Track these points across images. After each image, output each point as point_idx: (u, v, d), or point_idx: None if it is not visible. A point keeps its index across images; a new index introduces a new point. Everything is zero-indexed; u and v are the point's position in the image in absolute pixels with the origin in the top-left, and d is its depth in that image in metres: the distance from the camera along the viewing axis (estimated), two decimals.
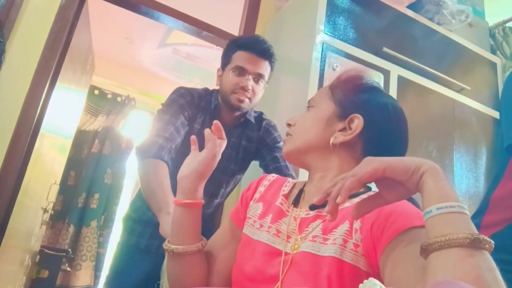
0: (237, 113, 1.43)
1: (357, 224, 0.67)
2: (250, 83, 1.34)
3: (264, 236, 0.77)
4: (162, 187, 1.12)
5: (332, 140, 0.77)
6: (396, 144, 0.78)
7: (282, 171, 1.37)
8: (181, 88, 1.43)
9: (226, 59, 1.41)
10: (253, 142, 1.48)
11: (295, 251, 0.71)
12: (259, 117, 1.52)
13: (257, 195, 0.88)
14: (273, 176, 0.92)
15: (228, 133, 1.43)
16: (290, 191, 0.85)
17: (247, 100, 1.35)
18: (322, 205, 0.66)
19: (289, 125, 0.85)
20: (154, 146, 1.21)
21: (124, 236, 1.47)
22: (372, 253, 0.63)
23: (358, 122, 0.75)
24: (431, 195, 0.53)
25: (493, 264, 0.46)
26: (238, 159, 1.47)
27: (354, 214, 0.59)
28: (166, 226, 0.99)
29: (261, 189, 0.89)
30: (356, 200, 0.71)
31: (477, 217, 1.18)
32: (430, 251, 0.49)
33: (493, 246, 0.47)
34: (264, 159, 1.45)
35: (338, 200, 0.56)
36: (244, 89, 1.34)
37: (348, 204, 0.72)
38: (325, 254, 0.66)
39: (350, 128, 0.76)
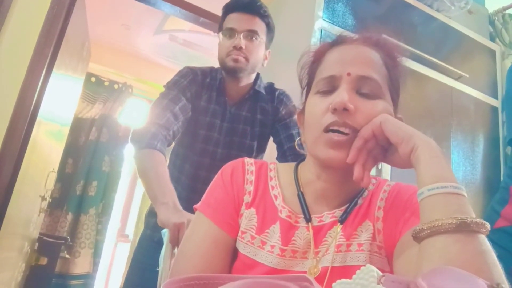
0: (243, 83, 1.38)
1: (379, 224, 0.65)
2: (242, 41, 1.30)
3: (278, 261, 0.65)
4: (157, 176, 1.09)
5: None
6: None
7: (297, 150, 1.32)
8: (184, 68, 1.40)
9: (220, 27, 1.38)
10: (269, 115, 1.42)
11: (316, 269, 0.63)
12: (270, 87, 1.46)
13: (247, 198, 0.73)
14: (251, 165, 0.77)
15: (238, 107, 1.40)
16: (281, 189, 0.74)
17: (242, 59, 1.30)
18: (349, 212, 0.67)
19: (346, 110, 0.61)
20: (146, 135, 1.17)
21: (143, 229, 1.46)
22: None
23: None
24: (423, 174, 0.52)
25: (485, 246, 0.45)
26: (255, 133, 1.41)
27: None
28: (162, 217, 0.96)
29: (249, 187, 0.74)
30: (366, 193, 0.70)
31: (499, 205, 1.20)
32: (420, 238, 0.48)
33: (489, 228, 0.46)
34: (278, 135, 1.39)
35: (348, 159, 0.60)
36: (236, 48, 1.30)
37: (360, 201, 0.69)
38: (352, 263, 0.62)
39: None
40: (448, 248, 0.45)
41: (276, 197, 0.72)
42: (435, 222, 0.46)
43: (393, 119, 0.60)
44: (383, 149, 0.62)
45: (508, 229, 1.12)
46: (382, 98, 0.65)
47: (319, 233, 0.67)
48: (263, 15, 1.34)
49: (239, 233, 0.70)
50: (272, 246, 0.66)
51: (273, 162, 0.80)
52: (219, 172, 0.78)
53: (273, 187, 0.74)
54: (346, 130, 0.61)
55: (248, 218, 0.71)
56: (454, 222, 0.45)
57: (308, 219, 0.68)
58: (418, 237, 0.49)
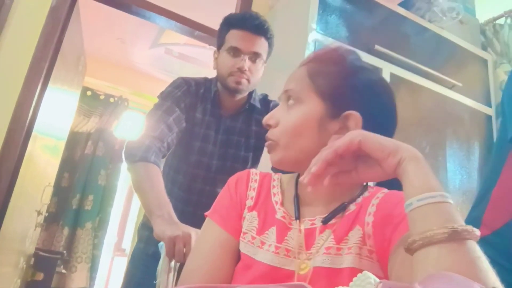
0: (239, 98, 1.37)
1: (369, 228, 0.65)
2: (247, 63, 1.28)
3: (272, 258, 0.68)
4: (153, 189, 1.08)
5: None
6: (391, 126, 0.73)
7: None
8: (178, 78, 1.39)
9: (220, 40, 1.35)
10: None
11: (306, 269, 0.65)
12: (265, 99, 1.45)
13: (249, 202, 0.78)
14: (256, 174, 0.82)
15: (233, 119, 1.39)
16: (282, 196, 0.78)
17: (244, 81, 1.29)
18: (334, 214, 0.68)
19: (268, 125, 0.75)
20: (140, 148, 1.16)
21: (136, 242, 1.44)
22: (386, 257, 0.61)
23: (355, 119, 0.67)
24: (411, 185, 0.51)
25: (477, 253, 0.45)
26: (250, 145, 1.41)
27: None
28: (157, 229, 0.95)
29: (252, 193, 0.79)
30: (359, 200, 0.70)
31: (479, 211, 1.17)
32: (413, 250, 0.48)
33: (478, 234, 0.46)
34: None
35: (312, 169, 0.56)
36: (240, 70, 1.28)
37: (353, 207, 0.69)
38: (341, 266, 0.63)
39: (347, 128, 0.67)
40: (442, 258, 0.45)
41: (276, 202, 0.76)
42: (427, 233, 0.46)
43: (372, 136, 0.56)
44: (345, 168, 0.60)
45: (489, 238, 1.08)
46: (303, 103, 0.71)
47: (311, 235, 0.69)
48: (268, 37, 1.33)
49: (241, 234, 0.75)
50: (269, 245, 0.70)
51: (278, 174, 0.84)
52: (227, 182, 0.84)
53: (274, 194, 0.78)
54: (269, 142, 0.74)
55: (250, 220, 0.75)
56: (446, 231, 0.45)
57: (297, 217, 0.71)
58: (410, 249, 0.48)
